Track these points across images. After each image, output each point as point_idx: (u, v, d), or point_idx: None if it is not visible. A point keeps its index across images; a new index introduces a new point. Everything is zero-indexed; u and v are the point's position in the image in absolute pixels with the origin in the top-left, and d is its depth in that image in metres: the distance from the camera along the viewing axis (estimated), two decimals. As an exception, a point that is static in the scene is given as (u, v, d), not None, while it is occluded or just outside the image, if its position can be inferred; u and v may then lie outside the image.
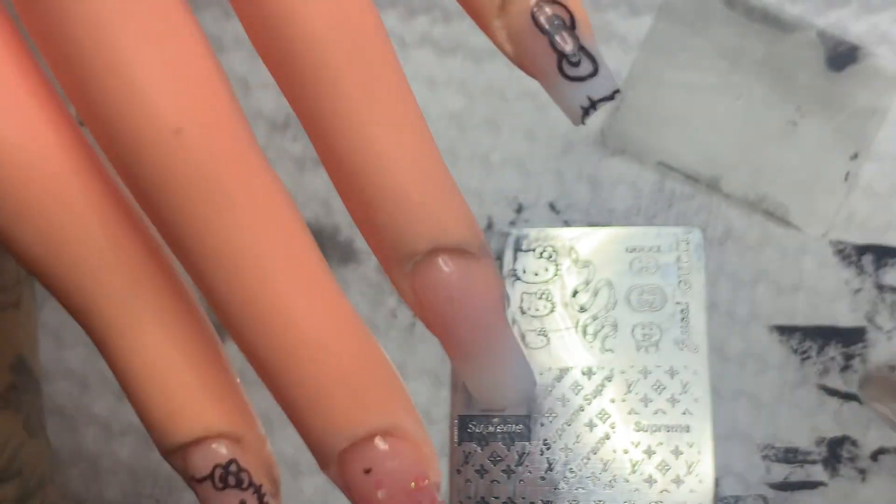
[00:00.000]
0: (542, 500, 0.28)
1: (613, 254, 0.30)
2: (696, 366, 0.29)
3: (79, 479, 0.31)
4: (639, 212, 0.32)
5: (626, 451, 0.28)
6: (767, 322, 0.31)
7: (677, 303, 0.29)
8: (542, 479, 0.28)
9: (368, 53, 0.16)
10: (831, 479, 0.30)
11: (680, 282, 0.30)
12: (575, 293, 0.30)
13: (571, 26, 0.16)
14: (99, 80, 0.15)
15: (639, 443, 0.28)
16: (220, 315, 0.16)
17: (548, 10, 0.16)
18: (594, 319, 0.29)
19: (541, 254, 0.30)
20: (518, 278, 0.30)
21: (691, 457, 0.28)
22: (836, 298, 0.31)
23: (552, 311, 0.30)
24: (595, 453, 0.28)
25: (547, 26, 0.16)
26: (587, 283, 0.30)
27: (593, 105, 0.16)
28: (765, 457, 0.30)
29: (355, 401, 0.16)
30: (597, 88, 0.16)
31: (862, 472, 0.30)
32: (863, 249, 0.31)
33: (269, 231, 0.15)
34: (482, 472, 0.28)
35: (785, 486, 0.29)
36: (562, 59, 0.16)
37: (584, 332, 0.29)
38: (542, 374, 0.29)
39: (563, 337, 0.29)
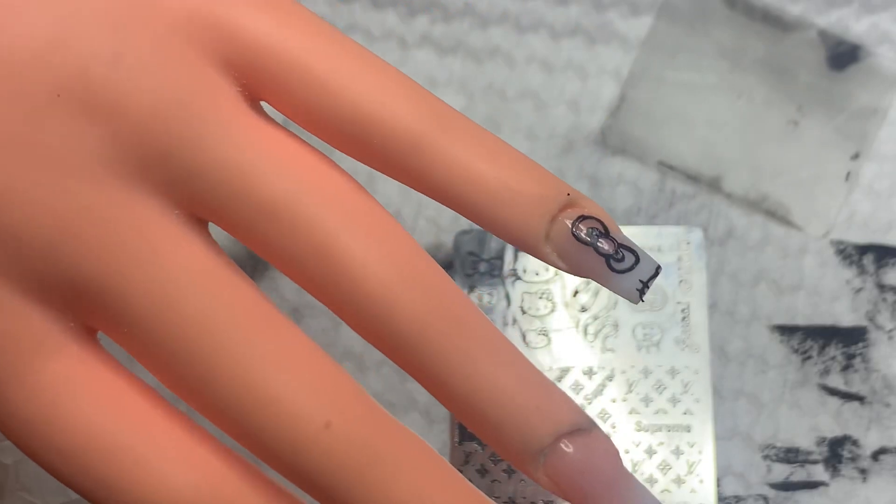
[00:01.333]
0: (542, 500, 0.28)
1: (614, 253, 0.30)
2: (696, 365, 0.29)
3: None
4: (639, 211, 0.32)
5: (626, 451, 0.28)
6: (768, 322, 0.31)
7: (678, 302, 0.29)
8: None
9: (447, 308, 0.19)
10: (832, 479, 0.30)
11: (681, 281, 0.30)
12: (576, 293, 0.30)
13: (606, 232, 0.20)
14: (249, 409, 0.18)
15: (639, 443, 0.28)
16: None
17: (582, 226, 0.19)
18: (595, 319, 0.29)
19: (541, 253, 0.30)
20: (519, 278, 0.30)
21: (692, 457, 0.28)
22: (837, 298, 0.31)
23: (553, 310, 0.30)
24: (596, 453, 0.28)
25: (588, 239, 0.19)
26: (588, 282, 0.30)
27: (645, 285, 0.20)
28: (765, 457, 0.30)
29: None
30: (644, 272, 0.20)
31: (863, 471, 0.29)
32: (864, 249, 0.31)
33: (423, 477, 0.19)
34: (483, 471, 0.28)
35: (786, 486, 0.29)
36: (609, 259, 0.19)
37: (585, 332, 0.29)
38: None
39: (563, 337, 0.29)
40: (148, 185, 0.18)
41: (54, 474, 0.18)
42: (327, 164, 0.20)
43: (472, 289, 0.29)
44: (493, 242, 0.30)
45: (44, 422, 0.18)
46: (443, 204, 0.20)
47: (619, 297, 0.29)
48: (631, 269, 0.20)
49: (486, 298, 0.29)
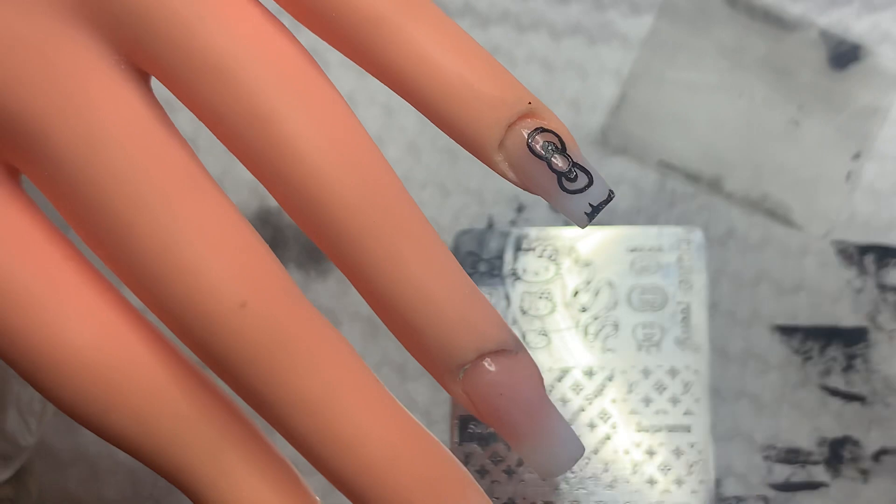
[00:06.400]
0: (542, 501, 0.28)
1: (614, 254, 0.30)
2: (697, 366, 0.29)
3: (78, 479, 0.31)
4: (640, 211, 0.32)
5: (627, 452, 0.28)
6: (769, 322, 0.31)
7: (678, 303, 0.29)
8: (543, 479, 0.28)
9: (383, 198, 0.18)
10: (833, 479, 0.29)
11: (681, 282, 0.30)
12: (576, 293, 0.30)
13: (563, 148, 0.19)
14: (164, 275, 0.17)
15: (640, 443, 0.28)
16: (303, 451, 0.18)
17: (539, 138, 0.19)
18: (595, 319, 0.29)
19: (541, 253, 0.30)
20: (519, 278, 0.30)
21: (692, 457, 0.28)
22: (837, 298, 0.31)
23: (553, 310, 0.29)
24: (596, 454, 0.28)
25: (542, 153, 0.19)
26: (588, 282, 0.30)
27: (595, 210, 0.19)
28: (766, 457, 0.30)
29: None
30: (595, 195, 0.19)
31: (864, 472, 0.29)
32: (864, 249, 0.31)
33: (337, 373, 0.18)
34: (483, 472, 0.28)
35: (786, 487, 0.29)
36: (561, 178, 0.19)
37: (585, 332, 0.29)
38: (542, 374, 0.29)
39: (563, 337, 0.29)
40: (89, 27, 0.17)
41: None
42: (280, 30, 0.18)
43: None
44: (493, 242, 0.30)
45: None
46: (399, 94, 0.19)
47: (615, 296, 0.29)
48: (582, 190, 0.19)
49: (486, 298, 0.29)
